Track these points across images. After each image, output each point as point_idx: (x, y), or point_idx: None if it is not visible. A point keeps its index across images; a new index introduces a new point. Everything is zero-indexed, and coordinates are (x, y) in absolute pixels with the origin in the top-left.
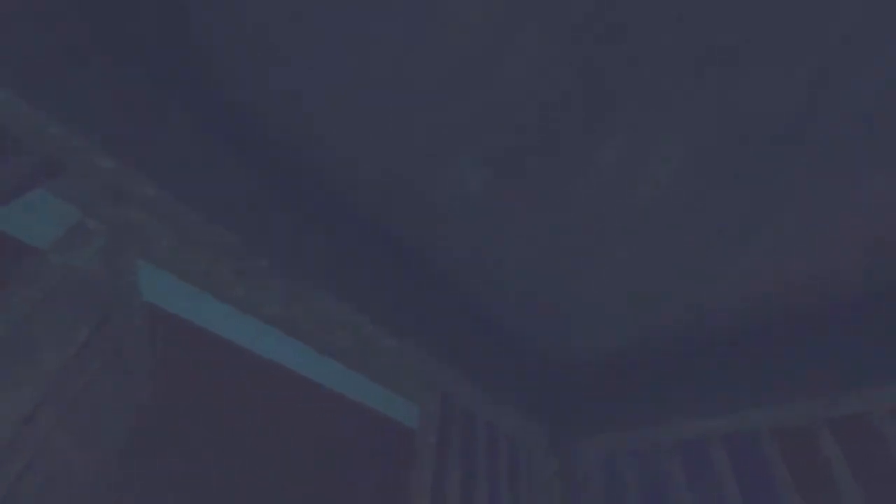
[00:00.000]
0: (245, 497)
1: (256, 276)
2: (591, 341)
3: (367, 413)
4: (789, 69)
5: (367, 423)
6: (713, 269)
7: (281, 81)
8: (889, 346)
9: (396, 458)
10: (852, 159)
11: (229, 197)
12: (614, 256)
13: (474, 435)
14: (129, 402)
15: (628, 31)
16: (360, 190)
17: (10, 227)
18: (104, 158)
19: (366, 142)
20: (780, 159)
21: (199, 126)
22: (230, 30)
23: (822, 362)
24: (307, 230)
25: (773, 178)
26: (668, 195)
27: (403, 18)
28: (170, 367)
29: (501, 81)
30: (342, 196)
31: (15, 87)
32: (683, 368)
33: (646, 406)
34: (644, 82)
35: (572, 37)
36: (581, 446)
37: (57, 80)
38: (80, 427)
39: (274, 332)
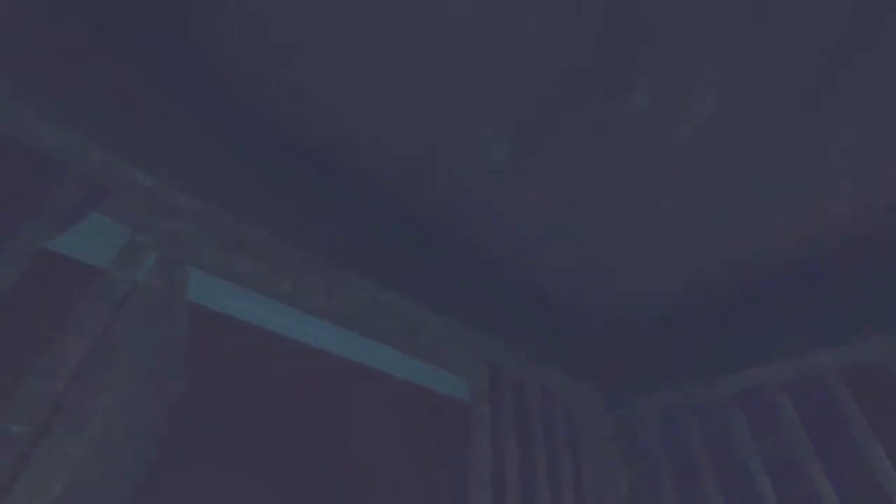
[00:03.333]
0: (305, 478)
1: (298, 270)
2: (640, 297)
3: (418, 391)
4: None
5: (418, 401)
6: (761, 212)
7: (288, 78)
8: None
9: (452, 432)
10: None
11: (259, 196)
12: (657, 211)
13: (528, 402)
14: (167, 397)
15: None
16: (384, 177)
17: (59, 247)
18: (144, 176)
19: (379, 131)
20: (818, 103)
21: (217, 130)
22: (234, 30)
23: (891, 295)
24: (338, 221)
25: (813, 118)
26: (704, 143)
27: (404, 7)
28: (205, 361)
29: (515, 54)
30: (367, 185)
31: (60, 121)
32: (739, 315)
33: (702, 357)
34: (666, 41)
35: None
36: (638, 403)
37: (92, 109)
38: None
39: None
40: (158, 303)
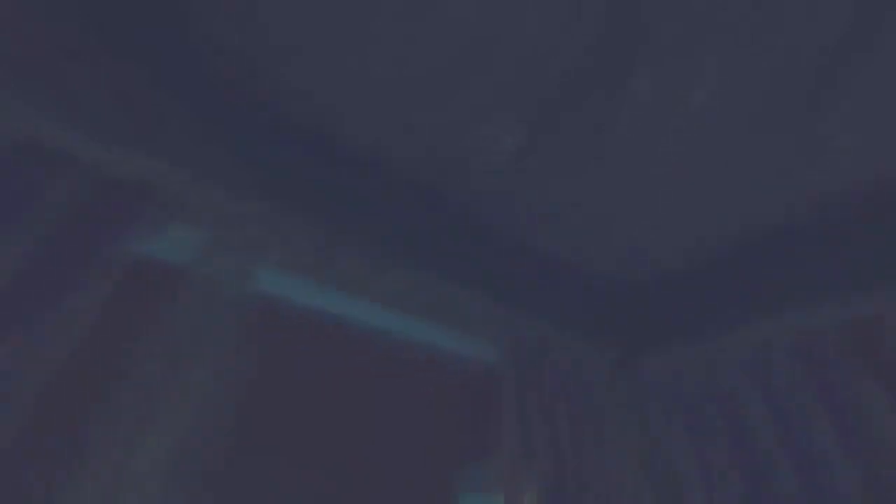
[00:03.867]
0: (332, 453)
1: (339, 259)
2: (649, 262)
3: (448, 361)
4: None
5: (449, 369)
6: (766, 181)
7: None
8: None
9: (482, 396)
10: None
11: (303, 196)
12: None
13: (547, 367)
14: (243, 385)
15: None
16: (401, 170)
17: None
18: (212, 188)
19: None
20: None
21: (258, 136)
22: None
23: (887, 254)
24: (374, 211)
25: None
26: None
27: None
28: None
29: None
30: (390, 182)
31: (127, 144)
32: (744, 278)
33: (710, 316)
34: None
35: None
36: (650, 364)
37: (171, 137)
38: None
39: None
40: (229, 297)
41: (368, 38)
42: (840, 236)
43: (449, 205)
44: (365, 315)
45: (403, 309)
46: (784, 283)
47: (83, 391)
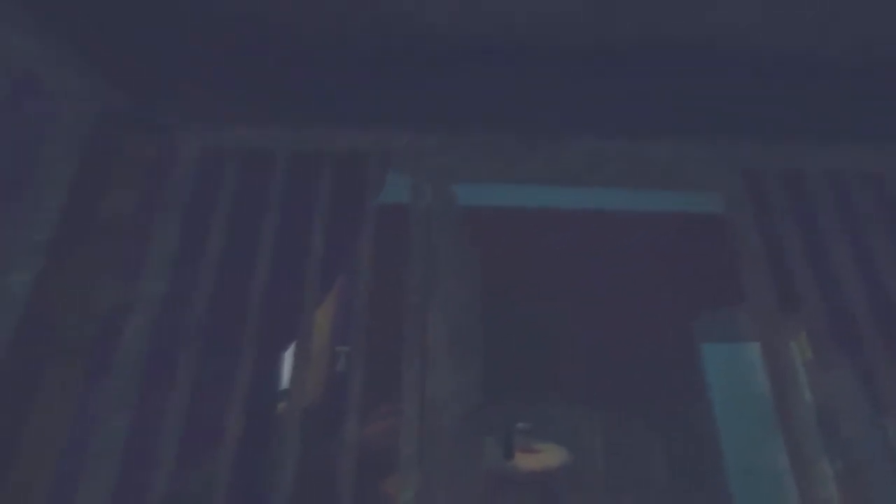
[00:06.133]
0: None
1: (535, 151)
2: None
3: (673, 218)
4: None
5: (675, 227)
6: None
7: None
8: None
9: (715, 250)
10: None
11: (479, 115)
12: None
13: (807, 192)
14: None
15: None
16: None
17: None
18: (406, 135)
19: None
20: None
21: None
22: None
23: None
24: (553, 102)
25: None
26: None
27: None
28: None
29: None
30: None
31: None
32: None
33: None
34: None
35: None
36: None
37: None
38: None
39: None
40: (442, 216)
41: None
42: None
43: (629, 61)
44: (578, 201)
45: (611, 182)
46: None
47: (387, 301)
